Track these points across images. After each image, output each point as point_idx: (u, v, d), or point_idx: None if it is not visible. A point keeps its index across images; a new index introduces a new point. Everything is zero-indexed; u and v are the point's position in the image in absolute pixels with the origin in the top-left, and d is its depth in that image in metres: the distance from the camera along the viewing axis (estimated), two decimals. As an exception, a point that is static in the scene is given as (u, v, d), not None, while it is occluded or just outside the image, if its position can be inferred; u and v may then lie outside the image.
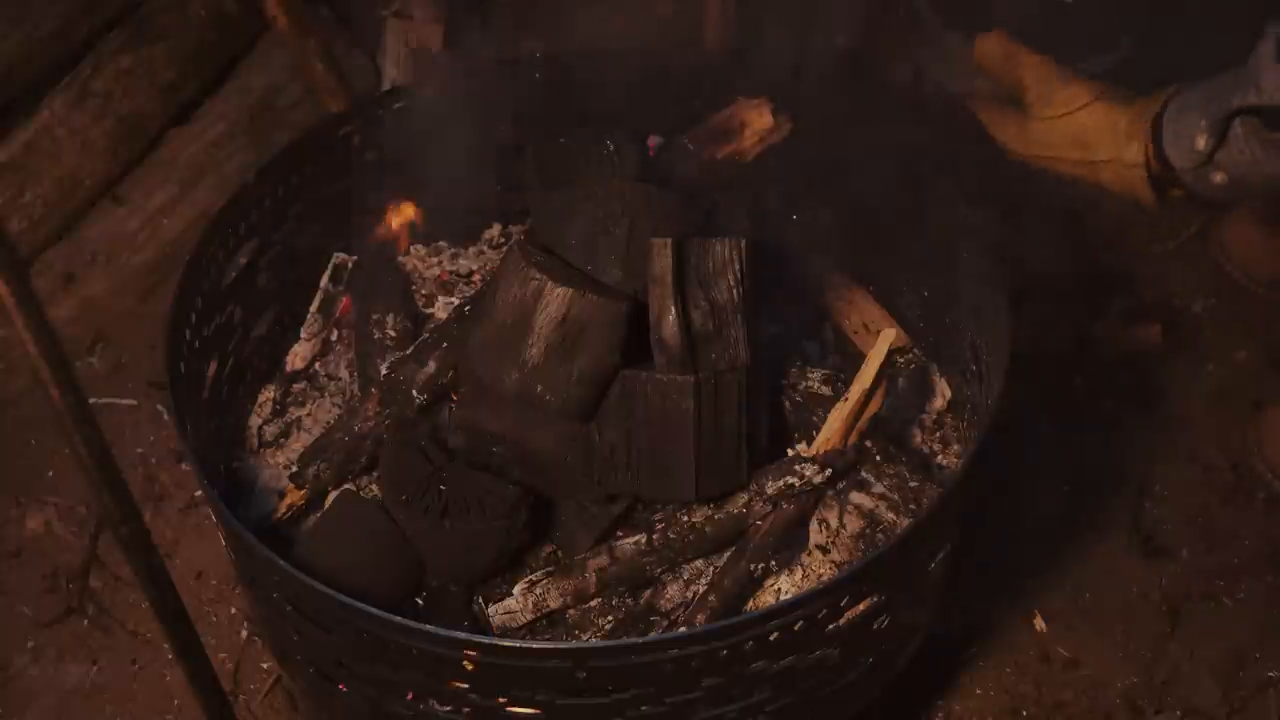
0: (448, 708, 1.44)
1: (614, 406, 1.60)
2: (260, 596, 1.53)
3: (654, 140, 2.03)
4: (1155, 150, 2.41)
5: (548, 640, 1.59)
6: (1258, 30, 2.23)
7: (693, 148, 2.00)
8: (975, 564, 1.83)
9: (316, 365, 1.94)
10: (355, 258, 1.96)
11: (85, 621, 1.98)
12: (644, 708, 1.40)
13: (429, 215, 2.04)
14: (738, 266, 1.61)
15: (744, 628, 1.36)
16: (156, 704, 1.90)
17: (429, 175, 1.98)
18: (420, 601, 1.65)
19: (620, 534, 1.65)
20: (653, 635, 1.59)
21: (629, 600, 1.63)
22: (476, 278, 2.00)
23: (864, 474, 1.64)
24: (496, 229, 2.12)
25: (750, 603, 1.62)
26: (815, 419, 1.69)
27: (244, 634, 1.96)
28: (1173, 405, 2.24)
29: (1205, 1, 2.36)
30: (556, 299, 1.56)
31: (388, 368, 1.77)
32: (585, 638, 1.60)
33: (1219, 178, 2.33)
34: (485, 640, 1.36)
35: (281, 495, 1.76)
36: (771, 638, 1.38)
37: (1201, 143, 2.31)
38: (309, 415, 1.88)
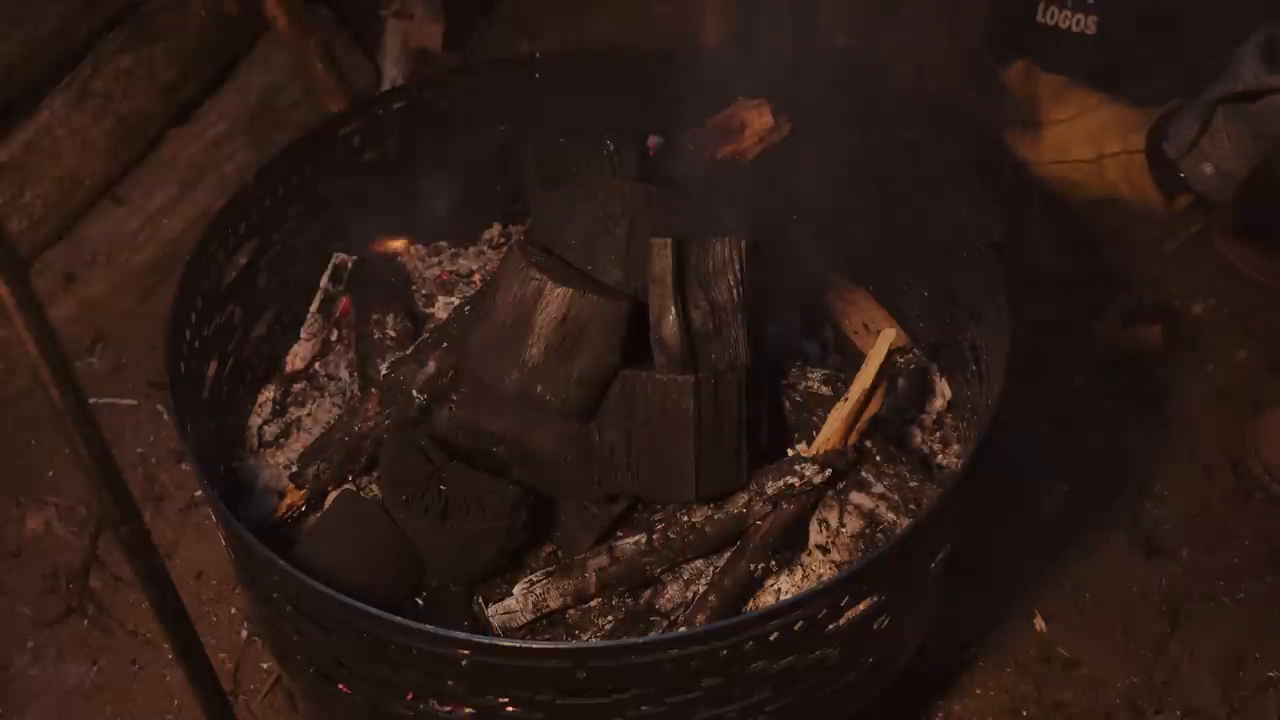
0: (448, 708, 1.44)
1: (614, 406, 1.60)
2: (260, 596, 1.53)
3: (654, 140, 2.02)
4: (1155, 145, 2.47)
5: (548, 640, 1.59)
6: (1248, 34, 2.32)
7: (693, 148, 2.00)
8: (975, 564, 1.83)
9: (316, 365, 1.94)
10: (355, 257, 1.96)
11: (85, 621, 1.98)
12: (644, 708, 1.40)
13: (429, 215, 2.05)
14: (738, 266, 1.60)
15: (744, 628, 1.36)
16: (156, 704, 1.90)
17: (428, 175, 1.99)
18: (420, 601, 1.65)
19: (620, 534, 1.65)
20: (653, 635, 1.59)
21: (629, 600, 1.63)
22: (476, 278, 2.01)
23: (864, 474, 1.64)
24: (496, 229, 2.12)
25: (750, 603, 1.62)
26: (815, 419, 1.69)
27: (244, 634, 1.96)
28: (1173, 405, 2.24)
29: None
30: (556, 299, 1.55)
31: (388, 368, 1.77)
32: (585, 638, 1.60)
33: (1208, 169, 2.40)
34: (485, 640, 1.36)
35: (281, 495, 1.76)
36: (771, 638, 1.38)
37: (1188, 129, 2.40)
38: (309, 415, 1.88)
